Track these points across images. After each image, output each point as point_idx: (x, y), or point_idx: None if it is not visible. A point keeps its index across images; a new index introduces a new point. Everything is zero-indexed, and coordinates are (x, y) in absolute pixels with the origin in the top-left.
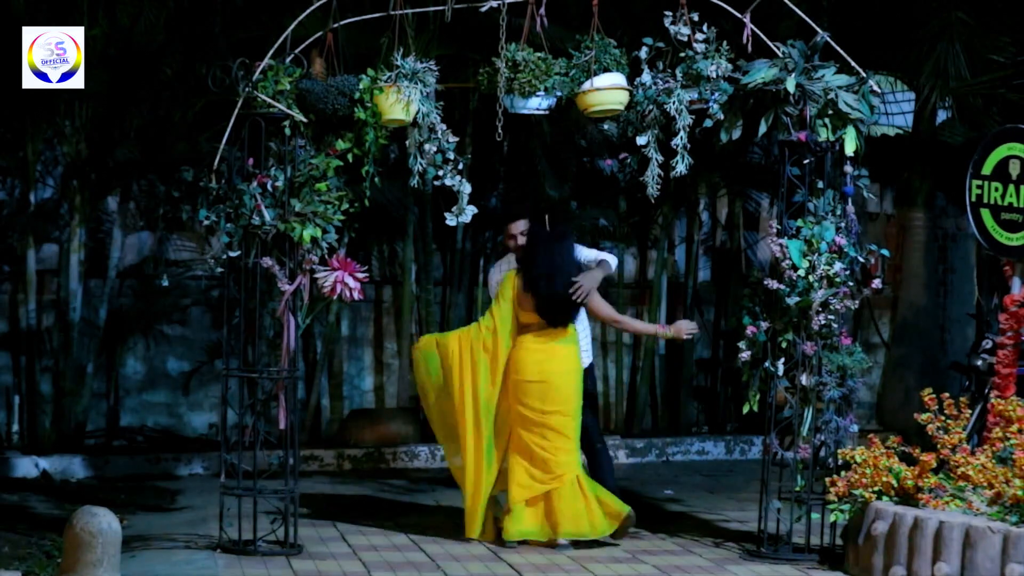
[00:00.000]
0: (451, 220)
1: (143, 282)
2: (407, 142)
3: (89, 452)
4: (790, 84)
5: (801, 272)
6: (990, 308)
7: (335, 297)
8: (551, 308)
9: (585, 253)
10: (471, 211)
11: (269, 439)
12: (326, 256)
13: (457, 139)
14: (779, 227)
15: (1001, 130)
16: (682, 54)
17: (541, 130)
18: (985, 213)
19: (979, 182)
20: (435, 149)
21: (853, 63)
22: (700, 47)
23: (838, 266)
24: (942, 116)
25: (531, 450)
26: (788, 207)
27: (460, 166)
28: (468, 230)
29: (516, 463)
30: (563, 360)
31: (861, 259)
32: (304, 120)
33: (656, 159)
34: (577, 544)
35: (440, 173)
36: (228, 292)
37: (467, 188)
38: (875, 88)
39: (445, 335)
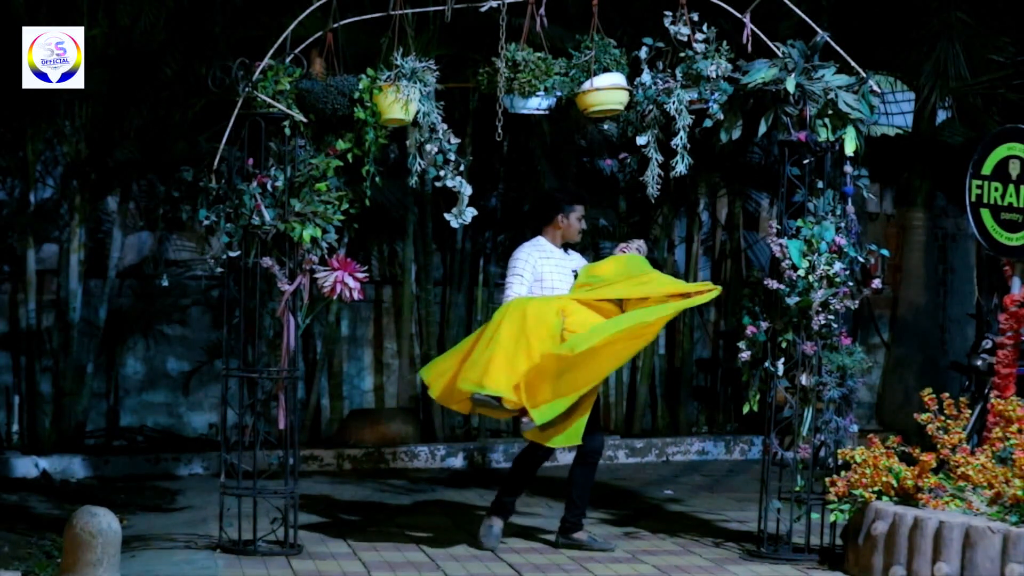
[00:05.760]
0: (452, 221)
1: (143, 282)
2: (407, 142)
3: (89, 452)
4: (790, 84)
5: (801, 272)
6: (990, 308)
7: (335, 297)
8: None
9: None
10: (471, 212)
11: (269, 439)
12: (326, 256)
13: (459, 141)
14: (779, 227)
15: (1001, 130)
16: (682, 54)
17: (541, 130)
18: (985, 213)
19: (979, 182)
20: (436, 150)
21: (853, 63)
22: (700, 47)
23: (838, 266)
24: (942, 116)
25: None
26: (788, 207)
27: (461, 167)
28: (468, 230)
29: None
30: None
31: (861, 259)
32: (304, 120)
33: (656, 159)
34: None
35: (441, 174)
36: (228, 292)
37: (468, 190)
38: (875, 88)
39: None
